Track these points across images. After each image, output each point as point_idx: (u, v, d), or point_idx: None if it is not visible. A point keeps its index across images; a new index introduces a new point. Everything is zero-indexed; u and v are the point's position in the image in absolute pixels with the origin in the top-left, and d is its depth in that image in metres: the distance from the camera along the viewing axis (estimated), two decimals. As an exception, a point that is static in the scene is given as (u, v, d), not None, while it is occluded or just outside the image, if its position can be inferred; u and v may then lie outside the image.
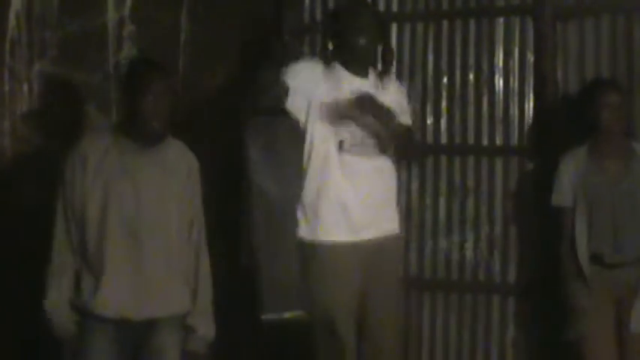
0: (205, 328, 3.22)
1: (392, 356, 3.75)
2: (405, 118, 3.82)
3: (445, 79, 4.49)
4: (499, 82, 4.39)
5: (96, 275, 3.04)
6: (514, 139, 4.37)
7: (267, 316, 3.97)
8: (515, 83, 4.36)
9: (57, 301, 3.07)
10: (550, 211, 3.95)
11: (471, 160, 4.44)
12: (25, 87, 3.58)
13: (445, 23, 4.48)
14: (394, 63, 4.00)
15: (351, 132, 3.61)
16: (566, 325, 3.82)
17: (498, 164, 4.39)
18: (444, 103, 4.49)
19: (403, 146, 3.77)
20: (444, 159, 4.49)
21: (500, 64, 4.38)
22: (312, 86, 3.62)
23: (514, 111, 4.36)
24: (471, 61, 4.44)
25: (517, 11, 4.37)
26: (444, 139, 4.49)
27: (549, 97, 4.27)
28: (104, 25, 3.85)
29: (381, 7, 4.57)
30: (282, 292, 4.03)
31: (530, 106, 4.33)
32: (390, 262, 3.73)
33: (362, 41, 3.63)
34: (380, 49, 3.81)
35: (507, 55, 4.37)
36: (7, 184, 3.61)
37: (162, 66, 3.22)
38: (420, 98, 4.51)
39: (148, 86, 3.04)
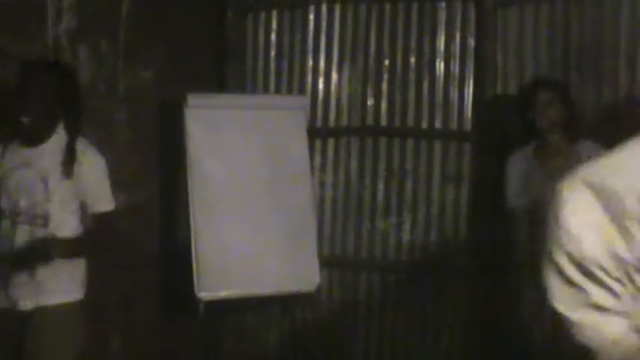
0: None
1: None
2: (96, 201, 3.24)
3: (387, 62, 4.51)
4: (440, 66, 4.43)
5: None
6: (453, 123, 4.42)
7: (202, 295, 3.99)
8: (455, 68, 4.41)
9: None
10: (487, 194, 4.00)
11: (410, 143, 4.48)
12: (-39, 57, 3.50)
13: (388, 6, 4.51)
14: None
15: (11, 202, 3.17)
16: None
17: (437, 147, 4.44)
18: (384, 86, 4.52)
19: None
20: (383, 141, 4.53)
21: (442, 48, 4.43)
22: None
23: (454, 95, 4.41)
24: (413, 44, 4.47)
25: (459, -4, 4.42)
26: (383, 121, 4.53)
27: (489, 82, 4.33)
28: (44, -5, 3.77)
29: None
30: (217, 273, 4.05)
31: (470, 90, 4.39)
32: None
33: (24, 120, 3.14)
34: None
35: (449, 39, 4.42)
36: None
37: None
38: (361, 80, 4.54)
39: None
